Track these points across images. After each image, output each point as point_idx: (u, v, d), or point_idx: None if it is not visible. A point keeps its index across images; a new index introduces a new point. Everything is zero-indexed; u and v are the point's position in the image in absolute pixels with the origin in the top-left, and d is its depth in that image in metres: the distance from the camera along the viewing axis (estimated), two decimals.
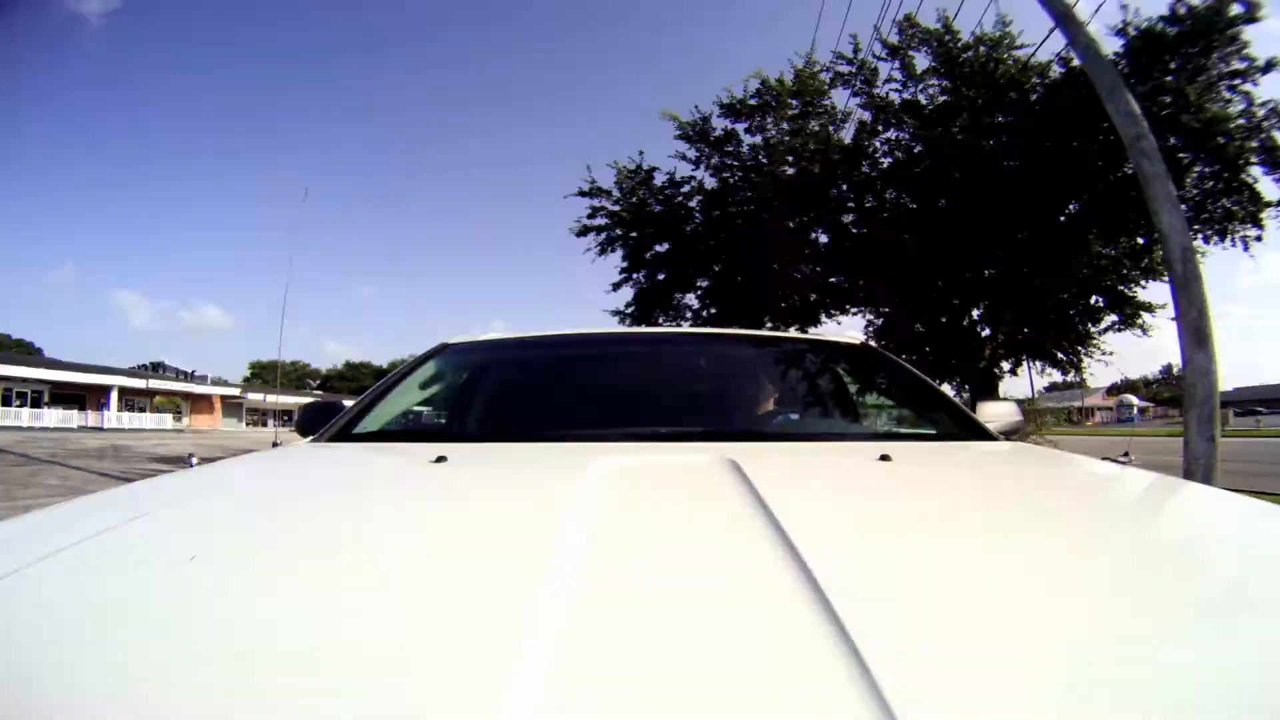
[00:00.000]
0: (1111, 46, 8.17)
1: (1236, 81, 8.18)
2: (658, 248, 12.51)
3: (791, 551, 0.62)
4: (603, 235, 12.40)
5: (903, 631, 0.49)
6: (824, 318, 12.32)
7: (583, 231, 12.37)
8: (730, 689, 0.43)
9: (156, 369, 53.94)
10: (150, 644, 0.53)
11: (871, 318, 12.31)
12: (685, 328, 2.49)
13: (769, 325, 12.11)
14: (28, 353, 53.44)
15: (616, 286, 12.95)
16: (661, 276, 12.66)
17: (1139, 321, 10.18)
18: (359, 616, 0.55)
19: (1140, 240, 9.61)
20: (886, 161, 10.54)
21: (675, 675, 0.44)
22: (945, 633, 0.49)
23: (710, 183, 11.84)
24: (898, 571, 0.62)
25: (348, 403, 1.88)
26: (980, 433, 1.56)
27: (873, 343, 2.13)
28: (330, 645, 0.50)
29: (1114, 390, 67.91)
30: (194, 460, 1.59)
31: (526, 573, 0.59)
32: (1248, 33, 7.98)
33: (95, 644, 0.53)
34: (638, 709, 0.41)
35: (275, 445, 1.81)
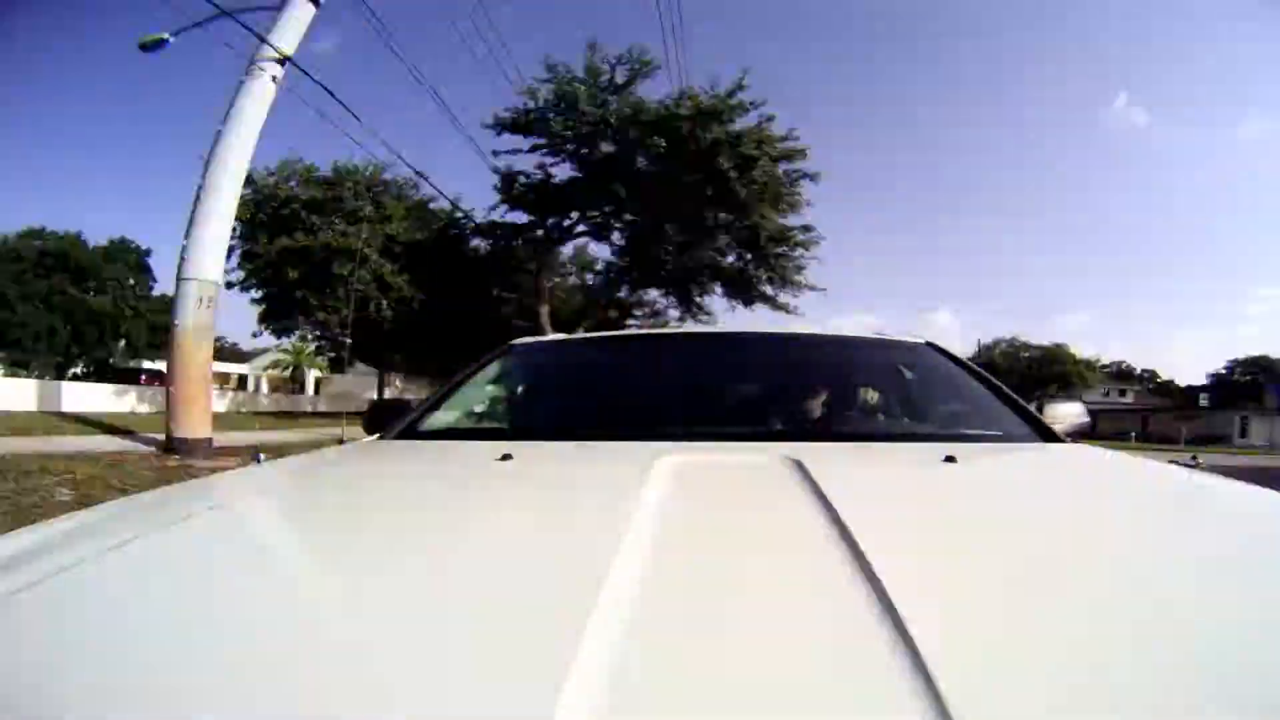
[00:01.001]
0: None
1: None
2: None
3: (856, 554, 0.62)
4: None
5: (967, 638, 0.48)
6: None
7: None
8: (791, 692, 0.43)
9: None
10: (213, 636, 0.54)
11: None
12: (748, 327, 2.51)
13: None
14: None
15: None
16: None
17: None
18: (421, 614, 0.55)
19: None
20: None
21: (735, 677, 0.44)
22: (1010, 641, 0.49)
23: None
24: (963, 577, 0.61)
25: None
26: (1046, 434, 1.52)
27: (938, 341, 2.08)
28: (391, 642, 0.51)
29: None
30: (261, 457, 1.69)
31: (591, 572, 0.59)
32: None
33: (156, 637, 0.55)
34: (696, 710, 0.41)
35: (341, 443, 1.94)
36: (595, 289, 21.82)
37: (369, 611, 0.57)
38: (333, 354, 26.23)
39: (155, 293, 33.98)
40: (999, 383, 1.76)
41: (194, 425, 9.68)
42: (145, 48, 10.35)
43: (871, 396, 1.96)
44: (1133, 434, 28.17)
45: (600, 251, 20.80)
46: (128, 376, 28.58)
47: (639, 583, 0.57)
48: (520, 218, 18.23)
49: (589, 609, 0.51)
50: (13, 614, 0.60)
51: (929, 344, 2.04)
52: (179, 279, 9.86)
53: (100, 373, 31.54)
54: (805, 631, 0.50)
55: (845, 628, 0.50)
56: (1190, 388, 54.80)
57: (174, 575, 0.71)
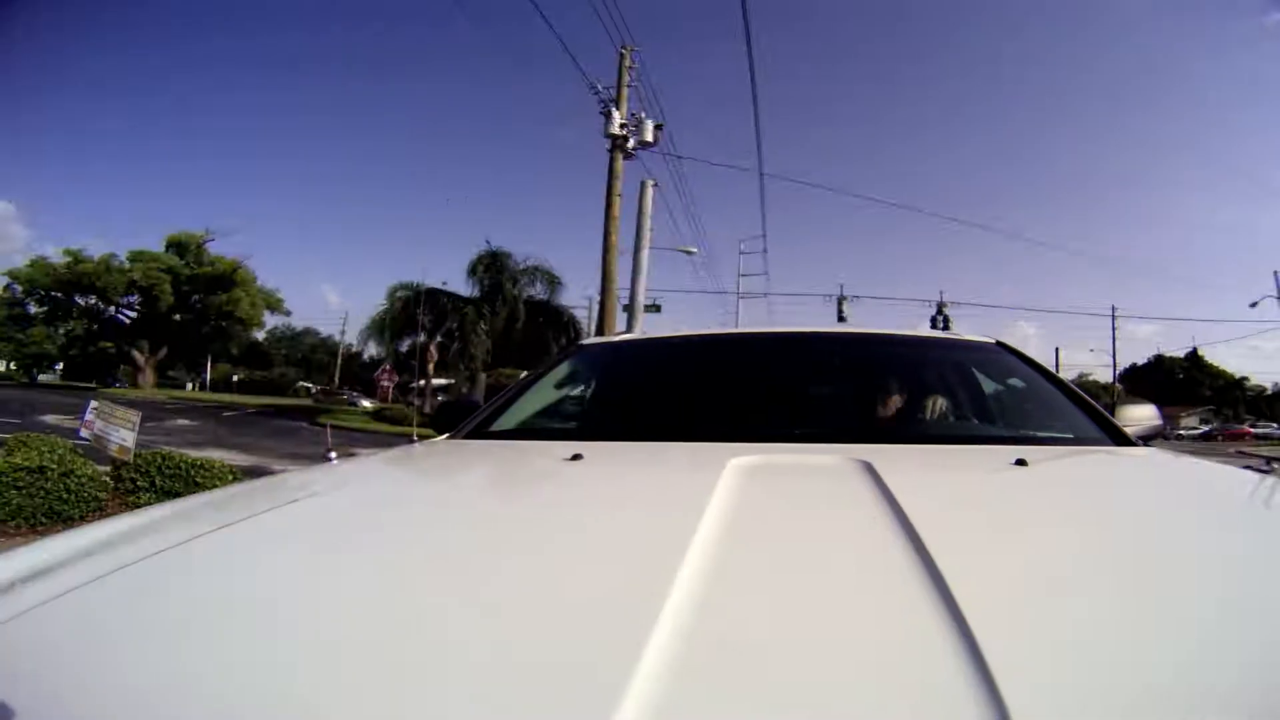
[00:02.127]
0: None
1: None
2: None
3: (925, 558, 0.61)
4: None
5: (1033, 646, 0.47)
6: None
7: None
8: (855, 699, 0.42)
9: None
10: (286, 629, 0.56)
11: None
12: (817, 327, 2.43)
13: None
14: None
15: None
16: None
17: None
18: (486, 613, 0.56)
19: None
20: None
21: (798, 682, 0.44)
22: (1077, 650, 0.47)
23: None
24: (1032, 582, 0.60)
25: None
26: (1119, 437, 1.49)
27: (1008, 341, 2.02)
28: (454, 639, 0.51)
29: None
30: (333, 456, 1.73)
31: (659, 575, 0.59)
32: None
33: (225, 629, 0.56)
34: (760, 709, 0.41)
35: (414, 441, 1.95)
36: None
37: (434, 609, 0.58)
38: None
39: None
40: (1070, 384, 1.72)
41: None
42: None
43: (942, 397, 1.92)
44: None
45: None
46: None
47: (706, 586, 0.57)
48: None
49: (656, 612, 0.51)
50: (102, 593, 0.65)
51: (999, 344, 2.00)
52: None
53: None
54: (870, 637, 0.50)
55: (911, 634, 0.49)
56: None
57: (250, 568, 0.74)
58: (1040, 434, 1.60)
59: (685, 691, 0.43)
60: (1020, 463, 1.10)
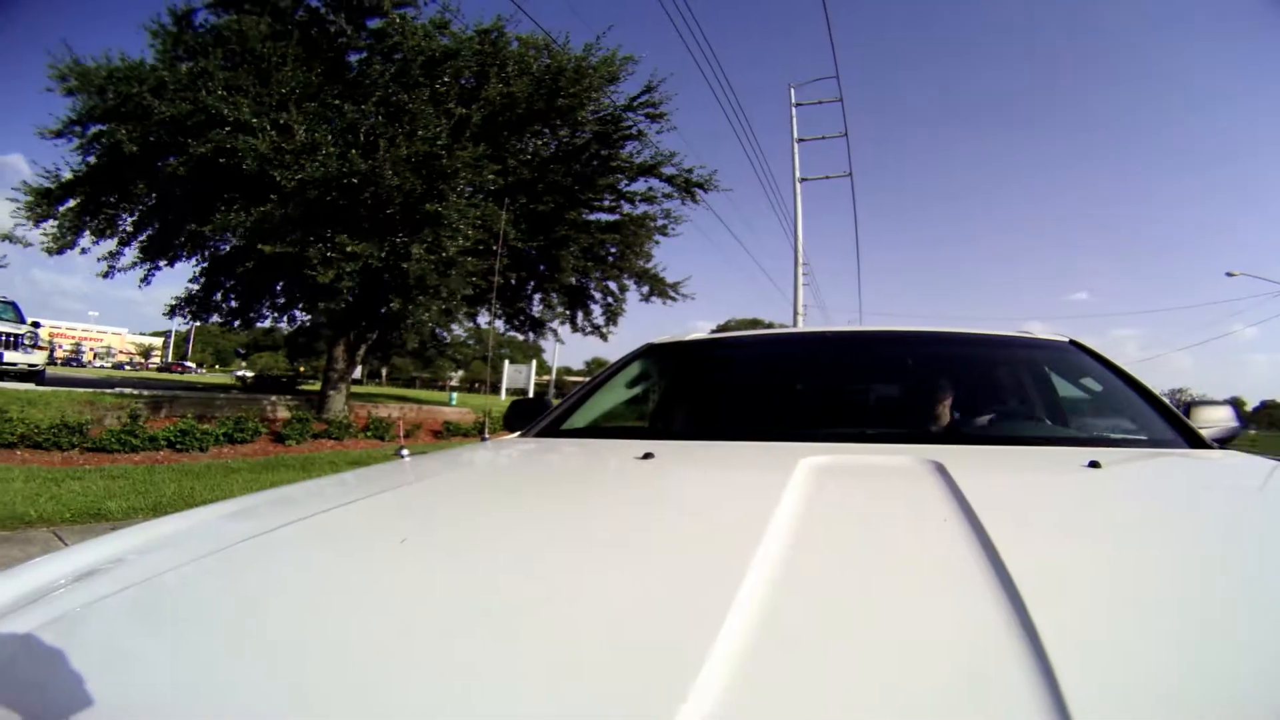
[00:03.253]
0: None
1: None
2: None
3: (996, 562, 0.61)
4: None
5: (1102, 654, 0.46)
6: None
7: None
8: (918, 700, 0.42)
9: None
10: (356, 619, 0.57)
11: None
12: (887, 326, 2.37)
13: None
14: None
15: None
16: None
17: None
18: (553, 610, 0.57)
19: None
20: None
21: (862, 680, 0.45)
22: (1147, 660, 0.46)
23: None
24: (1104, 589, 0.59)
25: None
26: (1194, 439, 1.46)
27: (1081, 340, 1.98)
28: (526, 635, 0.52)
29: None
30: (405, 454, 1.82)
31: (728, 571, 0.60)
32: None
33: (299, 621, 0.58)
34: (822, 710, 0.42)
35: (484, 439, 2.00)
36: None
37: (502, 606, 0.59)
38: None
39: None
40: (1145, 384, 1.68)
41: None
42: None
43: (1014, 396, 1.90)
44: None
45: None
46: None
47: (775, 587, 0.57)
48: None
49: (724, 611, 0.52)
50: (178, 584, 0.69)
51: (1073, 342, 1.95)
52: None
53: None
54: (938, 641, 0.50)
55: (979, 639, 0.49)
56: None
57: (320, 562, 0.77)
58: (1114, 435, 1.58)
59: (749, 691, 0.43)
60: (1093, 464, 1.09)
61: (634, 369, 2.20)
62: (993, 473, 1.14)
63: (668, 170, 12.07)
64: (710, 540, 0.75)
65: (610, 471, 1.26)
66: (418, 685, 0.46)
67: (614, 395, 2.10)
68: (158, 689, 0.50)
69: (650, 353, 2.25)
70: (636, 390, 2.23)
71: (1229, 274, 26.48)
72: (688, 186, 12.24)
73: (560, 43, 10.63)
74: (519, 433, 1.81)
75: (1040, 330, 2.21)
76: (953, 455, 1.10)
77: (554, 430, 1.76)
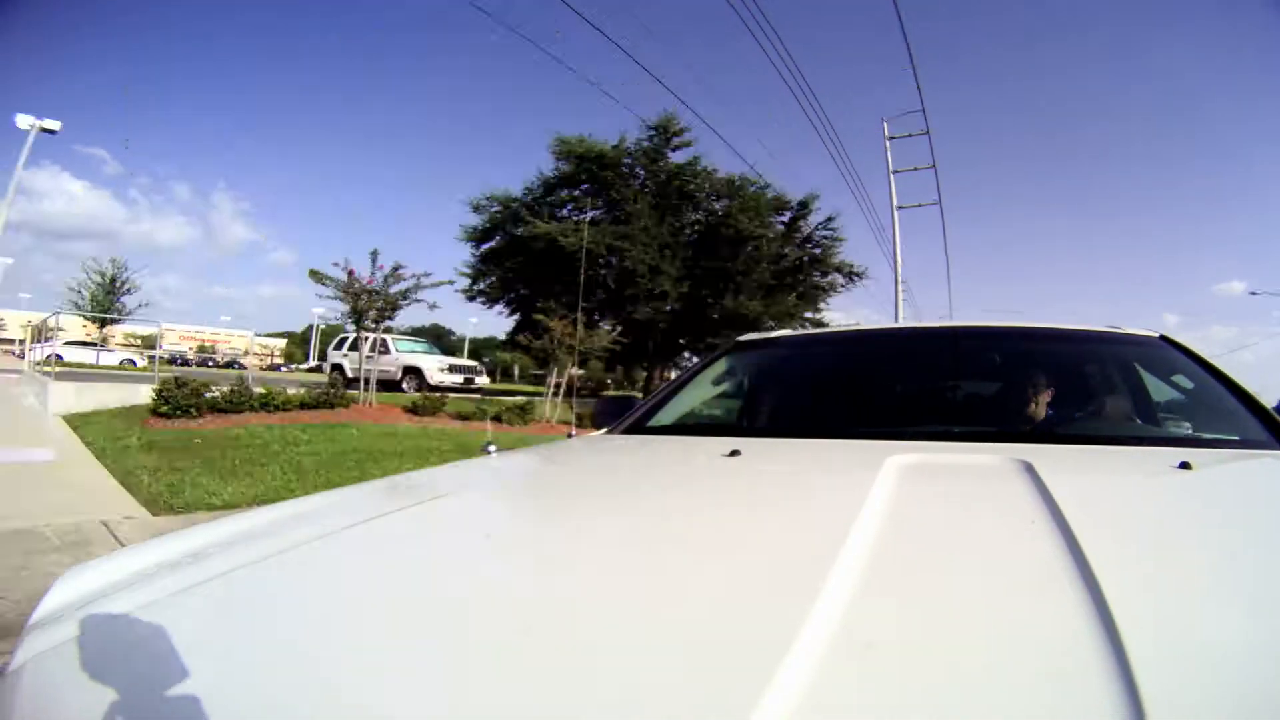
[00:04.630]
0: None
1: None
2: None
3: (1083, 565, 0.60)
4: None
5: (1185, 661, 0.45)
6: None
7: None
8: (995, 702, 0.42)
9: None
10: (443, 616, 0.58)
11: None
12: (972, 322, 2.27)
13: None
14: None
15: None
16: None
17: None
18: (639, 602, 0.58)
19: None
20: None
21: (940, 680, 0.44)
22: (1232, 671, 0.45)
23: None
24: (1192, 597, 0.58)
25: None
26: None
27: (1171, 335, 1.92)
28: (611, 630, 0.53)
29: None
30: (492, 449, 1.87)
31: (810, 573, 0.60)
32: None
33: (387, 617, 0.59)
34: (899, 710, 0.42)
35: (570, 436, 2.01)
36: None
37: (588, 601, 0.59)
38: None
39: None
40: (1238, 381, 1.62)
41: None
42: None
43: (1102, 394, 1.85)
44: None
45: None
46: None
47: (860, 585, 0.57)
48: None
49: (807, 609, 0.52)
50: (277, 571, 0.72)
51: (1163, 338, 1.90)
52: None
53: None
54: (1018, 645, 0.49)
55: (1059, 648, 0.48)
56: None
57: (407, 554, 0.79)
58: (1206, 435, 1.54)
59: (828, 690, 0.43)
60: (1184, 466, 1.06)
61: (721, 366, 2.21)
62: (1081, 474, 1.13)
63: (841, 264, 19.27)
64: (793, 542, 0.76)
65: (696, 469, 1.27)
66: (503, 680, 0.46)
67: (701, 392, 2.12)
68: (240, 676, 0.52)
69: (737, 349, 2.26)
70: (724, 387, 2.24)
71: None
72: (850, 275, 19.31)
73: (778, 187, 18.39)
74: (605, 430, 1.84)
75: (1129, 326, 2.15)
76: (1041, 455, 1.10)
77: (640, 427, 1.79)
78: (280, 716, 0.45)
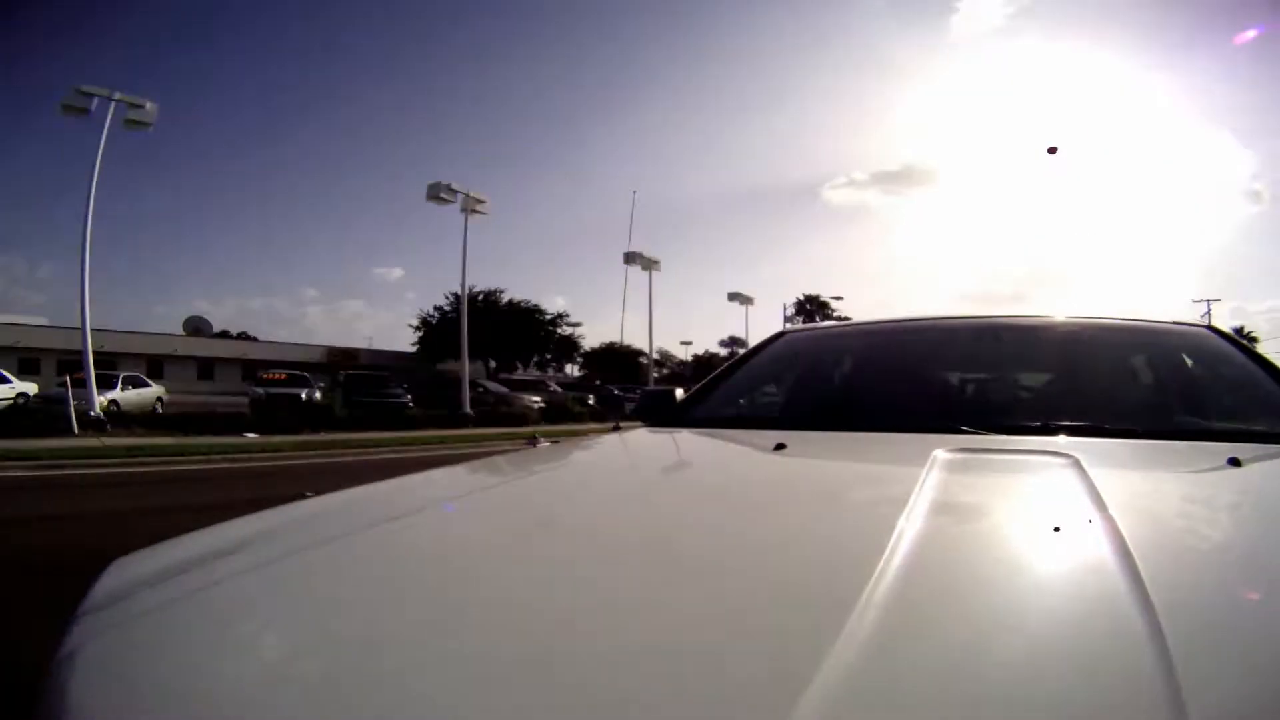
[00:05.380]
0: None
1: None
2: None
3: (1128, 561, 0.59)
4: None
5: (1231, 665, 0.45)
6: None
7: None
8: (1035, 702, 0.42)
9: None
10: (480, 598, 0.59)
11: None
12: (1019, 313, 2.21)
13: None
14: None
15: None
16: None
17: None
18: (680, 596, 0.58)
19: None
20: None
21: (982, 678, 0.45)
22: (1278, 671, 0.45)
23: None
24: (1240, 596, 0.58)
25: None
26: None
27: (1220, 326, 1.86)
28: (635, 631, 0.52)
29: None
30: (543, 442, 1.91)
31: (862, 564, 0.60)
32: None
33: (419, 600, 0.60)
34: (941, 708, 0.41)
35: (616, 429, 1.99)
36: None
37: (631, 594, 0.60)
38: None
39: None
40: None
41: None
42: None
43: (1150, 387, 1.82)
44: None
45: None
46: None
47: (907, 581, 0.57)
48: None
49: (852, 604, 0.51)
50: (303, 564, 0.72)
51: (1211, 328, 1.88)
52: None
53: None
54: (1064, 640, 0.49)
55: (1103, 640, 0.48)
56: None
57: (455, 542, 0.81)
58: (1257, 429, 1.48)
59: (870, 688, 0.42)
60: (1233, 462, 1.04)
61: (765, 357, 2.20)
62: (1129, 469, 1.13)
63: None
64: (840, 538, 0.76)
65: (743, 462, 1.27)
66: (542, 672, 0.47)
67: (746, 384, 2.11)
68: (285, 667, 0.52)
69: (782, 340, 2.24)
70: (768, 379, 2.23)
71: None
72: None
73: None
74: (649, 423, 1.84)
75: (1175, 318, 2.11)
76: (1087, 449, 1.09)
77: (684, 420, 1.79)
78: (326, 708, 0.45)
